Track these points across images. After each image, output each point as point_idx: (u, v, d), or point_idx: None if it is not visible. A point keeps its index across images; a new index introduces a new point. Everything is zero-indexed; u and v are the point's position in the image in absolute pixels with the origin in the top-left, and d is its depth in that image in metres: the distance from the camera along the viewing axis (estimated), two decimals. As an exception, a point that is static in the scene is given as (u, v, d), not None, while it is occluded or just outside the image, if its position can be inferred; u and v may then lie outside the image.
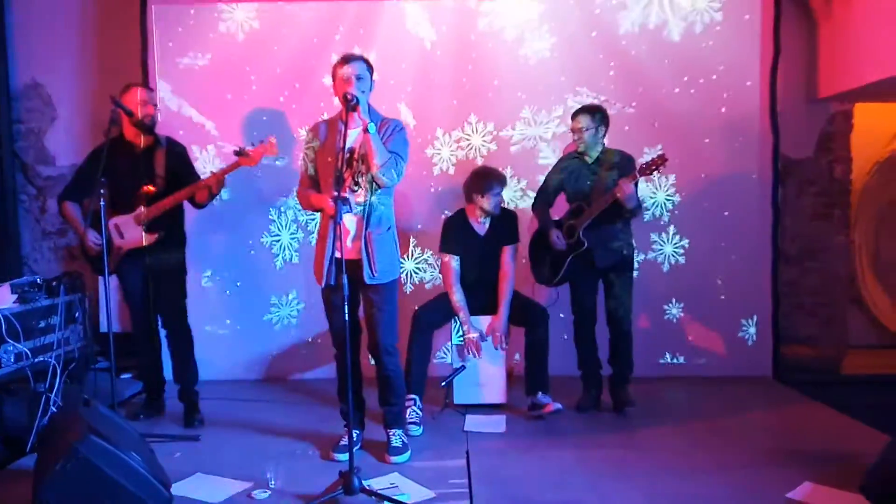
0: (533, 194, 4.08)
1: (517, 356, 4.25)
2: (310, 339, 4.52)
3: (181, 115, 4.44)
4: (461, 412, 3.74)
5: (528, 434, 3.47)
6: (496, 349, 3.78)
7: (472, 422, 3.61)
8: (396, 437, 3.18)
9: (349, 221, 2.99)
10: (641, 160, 3.76)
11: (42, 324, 3.50)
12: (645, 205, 4.32)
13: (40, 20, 4.82)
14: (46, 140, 4.91)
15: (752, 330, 4.46)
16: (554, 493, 2.75)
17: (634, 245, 3.81)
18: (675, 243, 4.46)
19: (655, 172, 3.56)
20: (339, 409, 3.30)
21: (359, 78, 2.95)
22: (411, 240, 4.50)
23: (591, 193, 3.62)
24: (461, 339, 3.79)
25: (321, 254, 3.06)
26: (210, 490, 2.80)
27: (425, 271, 4.51)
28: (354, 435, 2.83)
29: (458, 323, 3.80)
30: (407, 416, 3.47)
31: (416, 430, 3.45)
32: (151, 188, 3.48)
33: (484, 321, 3.81)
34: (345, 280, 2.65)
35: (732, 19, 4.36)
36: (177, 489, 2.73)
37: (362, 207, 3.00)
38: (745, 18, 4.36)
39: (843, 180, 4.85)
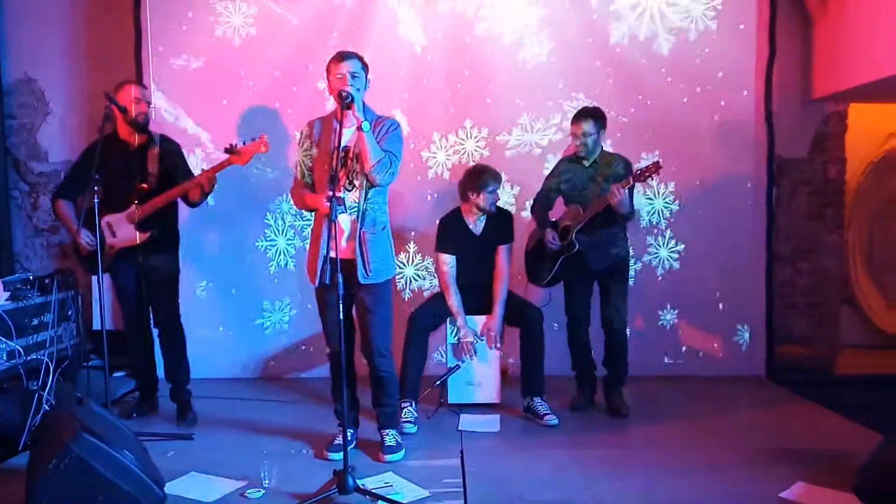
0: (526, 201, 4.08)
1: (511, 360, 4.25)
2: (301, 346, 4.52)
3: (171, 117, 4.42)
4: (455, 411, 3.74)
5: (522, 433, 3.47)
6: (491, 349, 3.77)
7: (467, 421, 3.61)
8: (390, 436, 3.18)
9: (343, 221, 2.97)
10: (637, 166, 3.76)
11: (35, 321, 3.48)
12: (639, 211, 4.31)
13: (33, 14, 4.79)
14: (39, 136, 4.88)
15: (747, 336, 4.46)
16: (548, 493, 2.75)
17: (630, 250, 3.82)
18: (671, 248, 4.46)
19: (651, 178, 3.55)
20: (332, 409, 3.29)
21: (353, 76, 2.93)
22: (412, 245, 4.48)
23: (588, 197, 3.62)
24: (456, 339, 3.79)
25: (315, 253, 3.05)
26: (204, 489, 2.79)
27: (424, 278, 4.48)
28: (349, 434, 2.83)
29: (454, 323, 3.79)
30: (402, 415, 3.47)
31: (410, 429, 3.45)
32: (145, 186, 3.46)
33: (479, 321, 3.80)
34: (340, 279, 2.64)
35: (728, 24, 4.35)
36: (170, 488, 2.72)
37: (356, 207, 2.99)
38: (741, 24, 4.36)
39: (838, 180, 4.87)
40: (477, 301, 3.80)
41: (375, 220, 3.04)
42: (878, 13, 3.98)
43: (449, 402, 3.80)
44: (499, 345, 3.77)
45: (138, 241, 3.48)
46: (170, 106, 4.42)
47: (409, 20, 4.38)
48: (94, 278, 3.69)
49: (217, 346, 4.45)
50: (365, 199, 3.00)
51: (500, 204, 3.85)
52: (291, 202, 4.24)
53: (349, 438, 2.83)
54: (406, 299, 4.46)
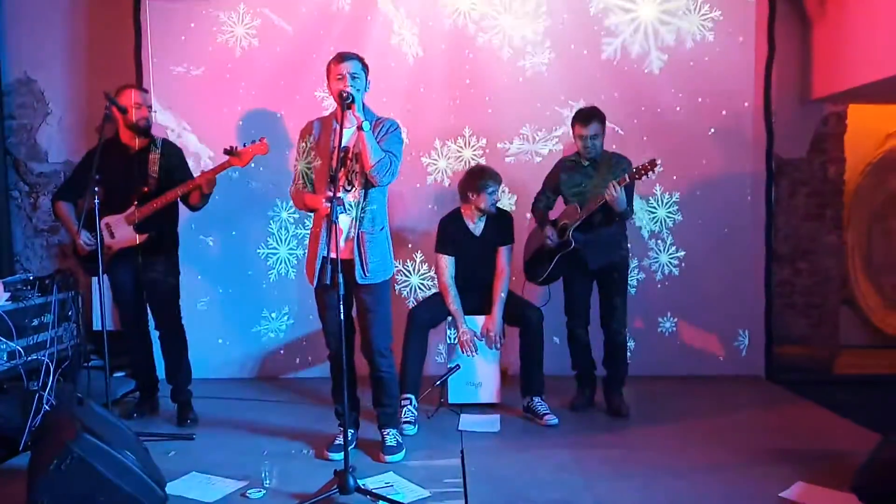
0: (525, 211, 4.10)
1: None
2: (302, 342, 4.52)
3: (166, 121, 4.43)
4: (456, 411, 3.74)
5: (522, 433, 3.48)
6: (491, 349, 3.78)
7: (467, 421, 3.61)
8: (391, 436, 3.18)
9: (342, 221, 2.97)
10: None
11: (35, 322, 3.48)
12: (636, 217, 4.31)
13: (33, 15, 4.79)
14: (38, 136, 4.88)
15: (747, 336, 4.46)
16: (548, 493, 2.75)
17: (629, 249, 3.82)
18: (671, 253, 4.46)
19: (647, 176, 3.55)
20: (332, 409, 3.30)
21: (353, 76, 2.93)
22: (419, 255, 4.47)
23: (586, 195, 3.63)
24: (455, 341, 3.79)
25: (313, 253, 3.05)
26: (205, 489, 2.79)
27: (430, 289, 4.42)
28: (349, 434, 2.83)
29: (453, 326, 3.80)
30: (402, 415, 3.47)
31: (410, 430, 3.45)
32: (145, 189, 3.47)
33: (479, 321, 3.81)
34: (340, 279, 2.65)
35: (727, 30, 4.35)
36: (171, 488, 2.72)
37: (355, 207, 3.00)
38: (740, 30, 4.36)
39: (837, 181, 4.88)
40: (476, 301, 3.81)
41: (374, 221, 3.04)
42: (877, 14, 3.99)
43: (449, 402, 3.81)
44: (499, 345, 3.78)
45: (137, 243, 3.48)
46: (164, 110, 4.41)
47: (407, 30, 4.37)
48: (94, 279, 3.69)
49: (215, 347, 4.45)
50: (364, 200, 3.01)
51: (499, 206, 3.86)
52: (291, 204, 4.28)
53: (349, 439, 2.83)
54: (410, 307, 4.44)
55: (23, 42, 4.80)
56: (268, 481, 2.81)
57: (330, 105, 4.08)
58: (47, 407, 3.26)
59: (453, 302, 3.75)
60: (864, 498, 2.50)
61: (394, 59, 4.39)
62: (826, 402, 3.87)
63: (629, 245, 3.82)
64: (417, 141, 4.40)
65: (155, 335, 3.74)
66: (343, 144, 2.91)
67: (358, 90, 2.93)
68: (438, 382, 3.77)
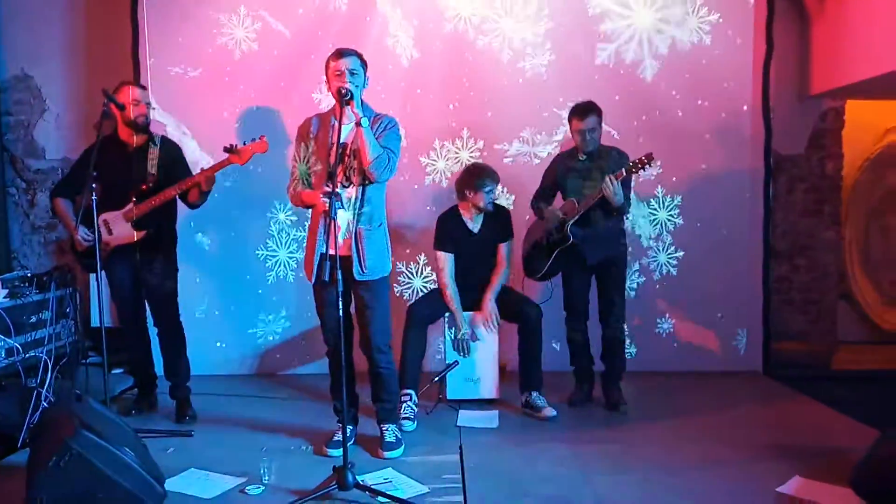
0: (523, 207, 4.10)
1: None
2: (301, 342, 4.51)
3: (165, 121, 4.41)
4: (454, 407, 3.75)
5: (520, 429, 3.48)
6: (487, 331, 3.77)
7: (466, 417, 3.62)
8: (390, 431, 3.19)
9: (340, 217, 2.95)
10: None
11: (33, 319, 3.49)
12: (630, 214, 4.32)
13: (29, 11, 4.77)
14: (36, 133, 4.87)
15: (745, 331, 4.47)
16: (547, 488, 2.76)
17: (627, 244, 3.83)
18: (671, 253, 4.46)
19: (644, 169, 3.55)
20: (331, 405, 3.30)
21: (352, 72, 2.93)
22: (422, 258, 4.46)
23: (583, 190, 3.63)
24: (453, 338, 3.79)
25: (311, 249, 3.04)
26: (204, 485, 2.79)
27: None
28: (348, 430, 2.83)
29: (451, 325, 3.80)
30: (402, 411, 3.48)
31: (409, 426, 3.45)
32: (143, 186, 3.46)
33: (481, 318, 3.81)
34: (339, 276, 2.65)
35: (724, 30, 4.34)
36: (170, 485, 2.72)
37: (353, 203, 2.99)
38: (739, 31, 4.34)
39: (835, 176, 4.89)
40: (474, 299, 3.80)
41: (372, 217, 3.03)
42: (875, 11, 3.99)
43: (448, 397, 3.81)
44: (494, 326, 3.76)
45: (135, 240, 3.47)
46: (162, 110, 4.38)
47: (404, 31, 4.36)
48: (93, 276, 3.69)
49: (213, 347, 4.45)
50: (362, 196, 3.00)
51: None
52: (289, 206, 4.29)
53: (348, 435, 2.83)
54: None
55: (20, 38, 4.79)
56: (267, 477, 2.81)
57: (328, 107, 4.07)
58: (45, 404, 3.26)
59: (453, 300, 3.75)
60: (862, 493, 2.51)
61: (392, 59, 4.37)
62: (824, 398, 3.88)
63: (626, 241, 3.82)
64: (416, 142, 4.38)
65: (153, 332, 3.73)
66: (341, 141, 2.91)
67: (356, 86, 2.92)
68: (437, 379, 3.77)
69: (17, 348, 3.29)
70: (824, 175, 4.86)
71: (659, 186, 4.42)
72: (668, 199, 4.44)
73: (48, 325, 3.53)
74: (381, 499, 2.62)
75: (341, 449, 2.67)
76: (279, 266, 4.48)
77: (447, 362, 3.83)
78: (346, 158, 2.98)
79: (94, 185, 3.11)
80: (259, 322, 4.51)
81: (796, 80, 4.72)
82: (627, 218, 4.22)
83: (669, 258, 4.47)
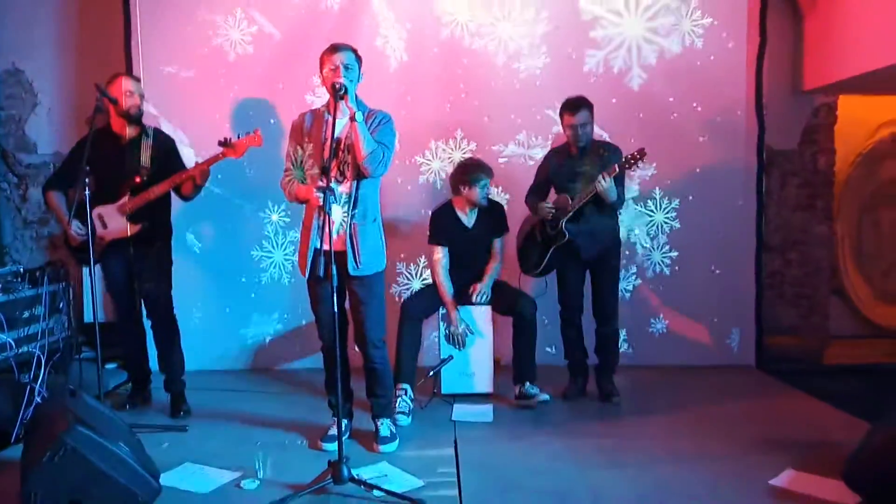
0: (515, 207, 4.10)
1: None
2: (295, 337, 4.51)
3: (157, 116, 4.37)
4: (449, 401, 3.75)
5: (515, 423, 3.49)
6: (475, 300, 3.76)
7: (460, 411, 3.63)
8: (384, 426, 3.19)
9: (334, 212, 2.94)
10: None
11: (26, 314, 3.47)
12: (626, 199, 4.31)
13: (20, 4, 4.73)
14: (27, 127, 4.84)
15: (738, 332, 4.48)
16: (541, 481, 2.77)
17: (621, 239, 3.84)
18: (665, 252, 4.47)
19: (637, 165, 3.55)
20: (325, 399, 3.30)
21: (347, 67, 2.92)
22: (422, 260, 4.44)
23: (577, 186, 3.63)
24: (448, 331, 3.80)
25: (305, 245, 3.04)
26: (198, 480, 2.79)
27: None
28: (343, 425, 2.83)
29: (446, 313, 3.80)
30: (397, 405, 3.48)
31: (404, 420, 3.46)
32: (138, 179, 3.44)
33: (474, 311, 3.81)
34: (333, 271, 2.64)
35: (717, 31, 4.35)
36: (165, 479, 2.71)
37: (347, 198, 2.99)
38: (732, 34, 4.36)
39: (827, 171, 4.91)
40: (468, 293, 3.80)
41: (366, 212, 3.03)
42: (868, 6, 4.01)
43: (442, 392, 3.82)
44: (483, 297, 3.75)
45: (129, 233, 3.46)
46: (154, 108, 4.35)
47: (408, 32, 4.36)
48: (86, 270, 3.67)
49: (208, 341, 4.43)
50: (356, 191, 3.00)
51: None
52: (283, 207, 4.28)
53: (343, 429, 2.83)
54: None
55: (11, 32, 4.74)
56: (262, 472, 2.81)
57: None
58: (39, 399, 3.25)
59: (447, 294, 3.75)
60: (854, 486, 2.53)
61: (390, 60, 4.36)
62: (816, 392, 3.90)
63: (619, 237, 3.82)
64: (411, 142, 4.35)
65: (148, 325, 3.72)
66: (335, 136, 2.90)
67: (351, 81, 2.91)
68: (431, 373, 3.78)
69: (10, 343, 3.28)
70: (817, 170, 4.87)
71: (657, 188, 4.43)
72: (665, 201, 4.44)
73: (41, 321, 3.52)
74: (376, 492, 2.63)
75: (336, 443, 2.67)
76: (274, 267, 4.47)
77: (441, 357, 3.84)
78: (341, 153, 2.98)
79: (86, 179, 3.09)
80: (252, 324, 4.49)
81: (789, 75, 4.73)
82: (620, 213, 4.24)
83: (664, 256, 4.47)
